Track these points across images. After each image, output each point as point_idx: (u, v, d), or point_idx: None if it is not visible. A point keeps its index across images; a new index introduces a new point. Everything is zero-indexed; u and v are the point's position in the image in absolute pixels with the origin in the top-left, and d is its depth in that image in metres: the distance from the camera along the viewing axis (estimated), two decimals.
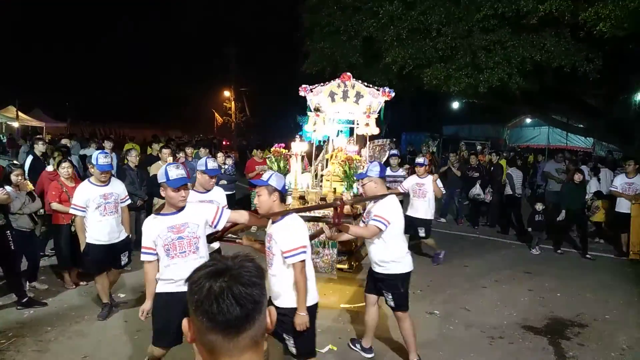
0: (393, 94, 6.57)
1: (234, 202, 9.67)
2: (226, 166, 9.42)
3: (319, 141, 6.82)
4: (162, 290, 3.52)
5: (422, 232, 7.56)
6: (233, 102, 34.67)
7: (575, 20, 10.03)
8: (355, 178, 5.36)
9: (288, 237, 3.36)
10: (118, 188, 5.40)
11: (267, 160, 6.92)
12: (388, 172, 8.32)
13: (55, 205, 5.97)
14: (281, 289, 3.44)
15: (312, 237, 4.49)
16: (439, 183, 7.73)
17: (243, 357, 1.09)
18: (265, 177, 3.47)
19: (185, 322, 1.13)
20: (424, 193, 7.51)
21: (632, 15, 9.04)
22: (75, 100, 25.50)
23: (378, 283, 4.35)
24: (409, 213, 7.41)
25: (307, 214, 4.79)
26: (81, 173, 8.60)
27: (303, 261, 3.34)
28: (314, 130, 6.63)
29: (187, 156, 9.44)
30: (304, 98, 6.76)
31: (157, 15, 33.13)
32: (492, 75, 11.37)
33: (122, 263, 5.47)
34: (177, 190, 3.43)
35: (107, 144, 10.83)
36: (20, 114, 21.54)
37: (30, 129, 22.81)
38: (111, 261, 5.31)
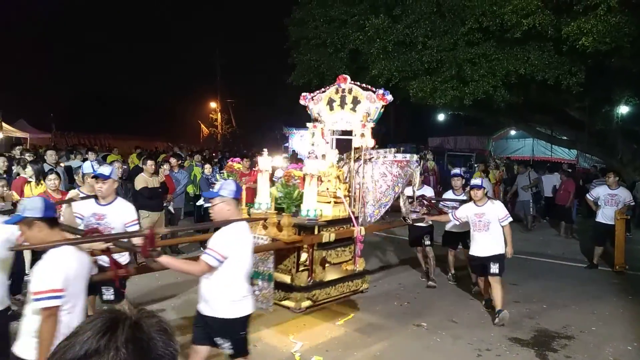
0: (390, 98, 5.80)
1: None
2: (213, 178, 9.34)
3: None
4: None
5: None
6: (219, 114, 34.59)
7: (558, 34, 10.23)
8: (209, 197, 4.06)
9: None
10: None
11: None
12: (450, 195, 7.46)
13: None
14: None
15: None
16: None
17: None
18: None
19: None
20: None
21: (614, 30, 9.25)
22: (59, 111, 25.30)
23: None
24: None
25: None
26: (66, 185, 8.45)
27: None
28: (313, 144, 5.97)
29: (172, 167, 9.35)
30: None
31: (143, 26, 33.02)
32: (478, 87, 11.53)
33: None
34: None
35: (92, 155, 10.73)
36: (4, 124, 21.29)
37: (14, 140, 22.52)
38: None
